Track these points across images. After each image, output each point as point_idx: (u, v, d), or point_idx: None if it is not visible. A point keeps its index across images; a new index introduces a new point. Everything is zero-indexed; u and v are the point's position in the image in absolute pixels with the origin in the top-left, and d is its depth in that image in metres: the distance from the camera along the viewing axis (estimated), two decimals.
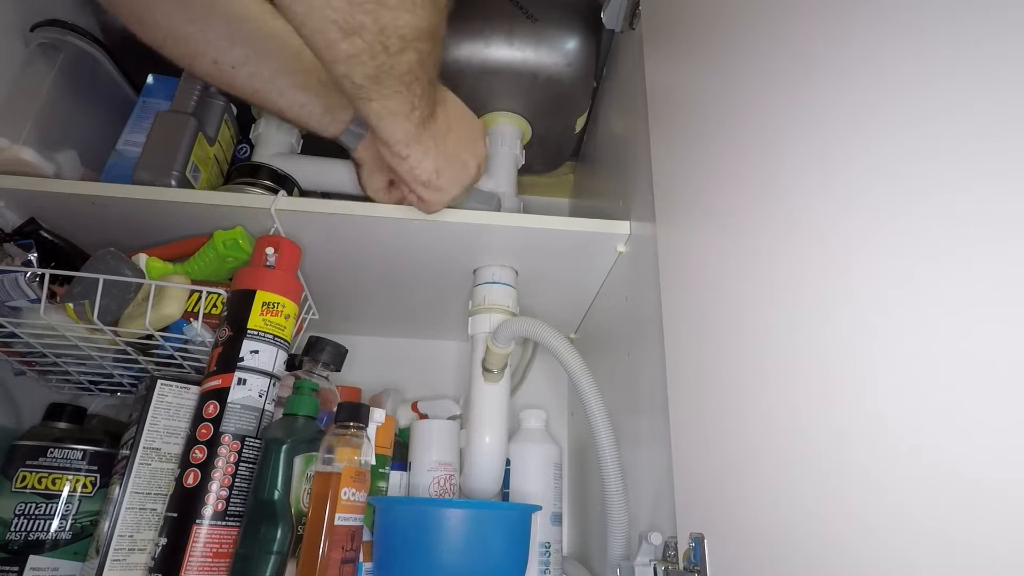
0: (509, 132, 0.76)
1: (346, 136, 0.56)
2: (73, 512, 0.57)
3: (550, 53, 0.68)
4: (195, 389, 0.55)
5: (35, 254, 0.56)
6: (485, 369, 0.62)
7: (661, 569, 0.40)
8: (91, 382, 0.69)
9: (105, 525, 0.51)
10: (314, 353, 0.60)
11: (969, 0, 0.19)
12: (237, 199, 0.56)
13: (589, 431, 0.53)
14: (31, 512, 0.56)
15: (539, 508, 0.58)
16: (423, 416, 0.74)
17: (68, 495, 0.57)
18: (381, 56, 0.33)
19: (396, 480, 0.68)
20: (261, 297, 0.53)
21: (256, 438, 0.50)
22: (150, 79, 0.69)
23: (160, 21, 0.47)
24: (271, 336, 0.53)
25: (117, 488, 0.51)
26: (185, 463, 0.48)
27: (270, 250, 0.55)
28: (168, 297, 0.54)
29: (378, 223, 0.57)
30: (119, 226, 0.60)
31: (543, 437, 0.71)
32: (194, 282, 0.57)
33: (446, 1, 0.35)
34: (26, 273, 0.53)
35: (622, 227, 0.58)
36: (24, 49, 0.63)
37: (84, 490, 0.58)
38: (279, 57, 0.50)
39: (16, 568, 0.54)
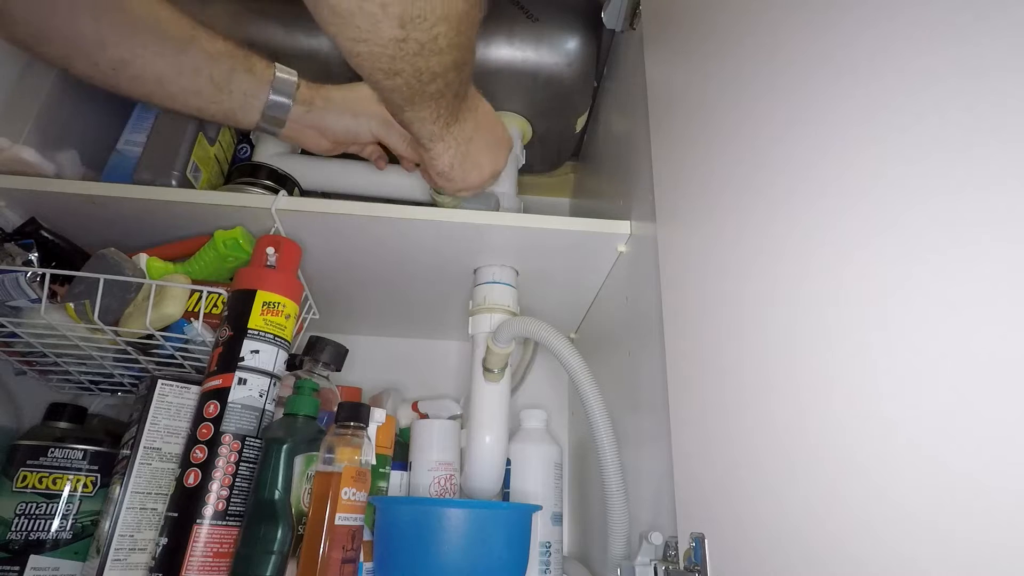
0: (510, 132, 0.76)
1: (265, 124, 0.55)
2: (74, 512, 0.57)
3: (550, 53, 0.68)
4: (196, 389, 0.55)
5: (36, 254, 0.56)
6: (486, 369, 0.62)
7: (662, 569, 0.40)
8: (92, 382, 0.69)
9: (106, 525, 0.51)
10: (315, 353, 0.60)
11: (969, 1, 0.19)
12: (238, 199, 0.57)
13: (589, 431, 0.53)
14: (32, 512, 0.56)
15: (539, 508, 0.58)
16: (424, 416, 0.74)
17: (69, 495, 0.57)
18: (416, 86, 0.40)
19: (396, 480, 0.68)
20: (262, 297, 0.53)
21: (257, 438, 0.50)
22: None
23: (16, 15, 0.43)
24: (272, 336, 0.53)
25: (118, 488, 0.52)
26: (186, 463, 0.48)
27: (271, 250, 0.55)
28: (169, 297, 0.54)
29: (379, 223, 0.57)
30: (120, 226, 0.60)
31: (544, 437, 0.72)
32: (195, 282, 0.57)
33: (473, 40, 0.41)
34: (27, 273, 0.53)
35: (622, 227, 0.58)
36: None
37: (85, 490, 0.58)
38: (162, 58, 0.47)
39: (17, 568, 0.54)
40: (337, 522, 0.47)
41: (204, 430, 0.49)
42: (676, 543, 0.38)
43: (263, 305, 0.53)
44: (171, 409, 0.54)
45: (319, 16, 0.36)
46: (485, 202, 0.63)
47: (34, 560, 0.55)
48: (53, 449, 0.58)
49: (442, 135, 0.48)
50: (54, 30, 0.44)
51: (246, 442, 0.49)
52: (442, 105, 0.45)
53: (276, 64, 0.53)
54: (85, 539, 0.57)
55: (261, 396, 0.51)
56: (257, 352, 0.51)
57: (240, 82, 0.51)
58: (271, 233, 0.58)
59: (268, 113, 0.53)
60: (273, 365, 0.53)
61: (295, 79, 0.54)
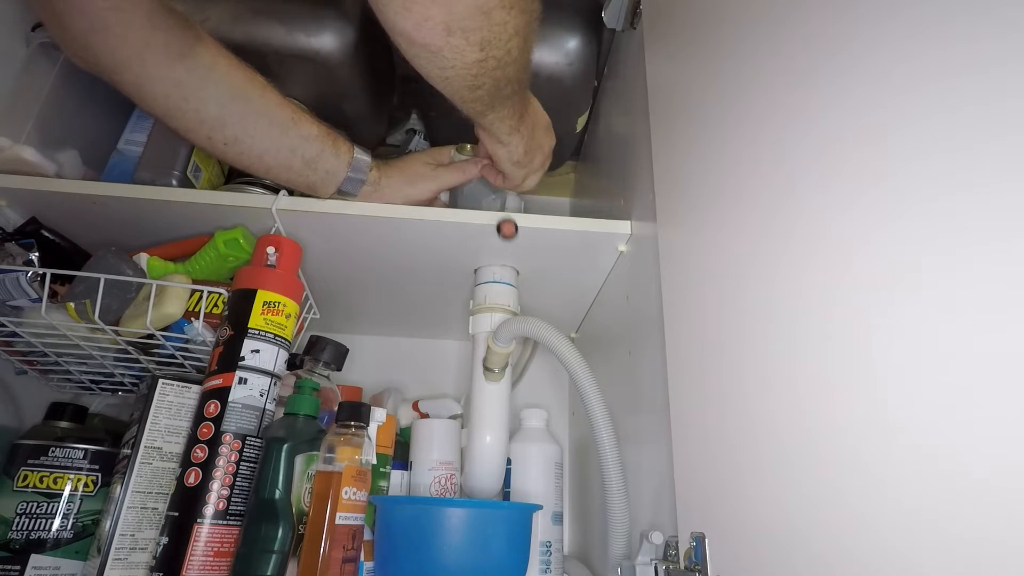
0: None
1: (338, 196, 0.60)
2: (75, 511, 0.57)
3: (551, 52, 0.68)
4: (196, 388, 0.55)
5: (36, 254, 0.56)
6: (486, 368, 0.62)
7: (662, 568, 0.40)
8: (92, 381, 0.69)
9: (107, 524, 0.51)
10: (315, 352, 0.60)
11: (969, 0, 0.19)
12: (238, 199, 0.57)
13: (590, 430, 0.53)
14: (33, 511, 0.56)
15: (540, 507, 0.58)
16: (424, 415, 0.74)
17: (70, 494, 0.57)
18: (495, 93, 0.48)
19: (397, 479, 0.68)
20: (262, 296, 0.53)
21: (257, 437, 0.50)
22: None
23: (159, 99, 0.50)
24: (272, 335, 0.53)
25: (119, 487, 0.52)
26: (186, 462, 0.48)
27: (271, 249, 0.55)
28: (169, 296, 0.54)
29: (379, 223, 0.57)
30: (120, 226, 0.60)
31: (544, 436, 0.71)
32: (195, 281, 0.57)
33: (534, 41, 0.47)
34: (27, 273, 0.53)
35: (623, 226, 0.58)
36: (25, 49, 0.63)
37: (86, 489, 0.58)
38: (268, 137, 0.54)
39: (18, 567, 0.54)
40: (338, 521, 0.47)
41: (205, 429, 0.49)
42: (676, 542, 0.38)
43: (263, 304, 0.53)
44: (172, 408, 0.54)
45: (411, 54, 0.42)
46: (495, 198, 0.67)
47: (35, 559, 0.55)
48: (54, 448, 0.58)
49: (516, 127, 0.56)
50: (183, 112, 0.51)
51: (247, 441, 0.49)
52: (515, 103, 0.52)
53: (356, 146, 0.60)
54: (86, 538, 0.57)
55: (262, 395, 0.51)
56: (258, 351, 0.51)
57: (326, 162, 0.57)
58: (271, 233, 0.58)
59: (343, 188, 0.59)
60: (274, 364, 0.53)
61: (370, 160, 0.60)
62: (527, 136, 0.58)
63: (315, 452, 0.50)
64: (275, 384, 0.53)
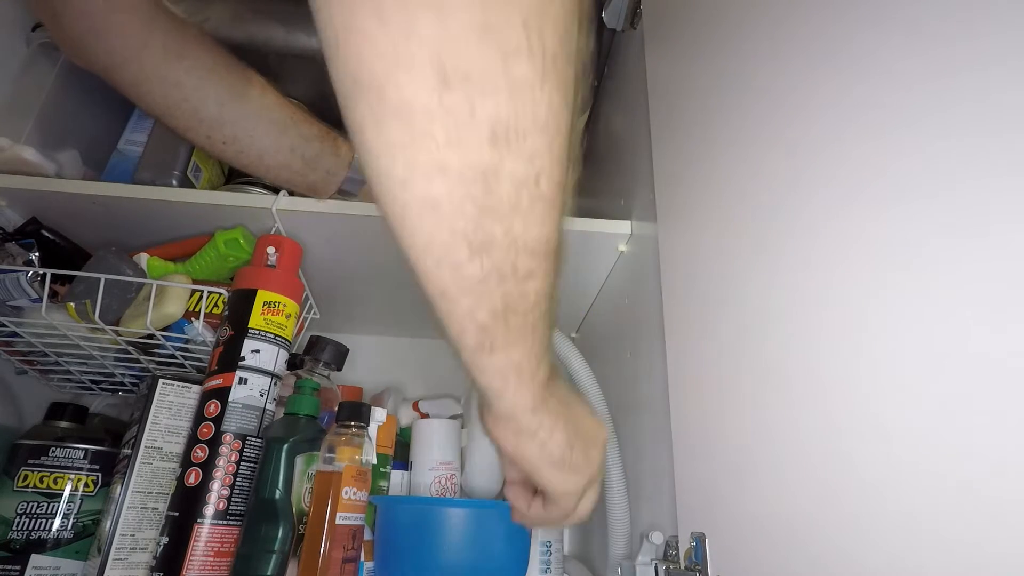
0: None
1: (339, 196, 0.59)
2: (75, 511, 0.57)
3: None
4: (196, 388, 0.55)
5: (37, 254, 0.56)
6: None
7: (662, 568, 0.40)
8: (92, 381, 0.69)
9: (107, 524, 0.51)
10: (315, 352, 0.60)
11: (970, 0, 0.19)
12: (238, 199, 0.57)
13: None
14: (33, 511, 0.56)
15: None
16: (424, 415, 0.74)
17: (70, 494, 0.57)
18: (510, 286, 0.26)
19: (397, 479, 0.68)
20: (262, 296, 0.53)
21: (257, 437, 0.50)
22: None
23: (157, 99, 0.49)
24: (272, 335, 0.53)
25: (119, 487, 0.52)
26: (187, 462, 0.48)
27: (271, 249, 0.55)
28: (169, 296, 0.54)
29: (379, 222, 0.57)
30: (120, 225, 0.60)
31: None
32: (195, 281, 0.57)
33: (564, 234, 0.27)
34: (28, 273, 0.53)
35: (623, 226, 0.58)
36: (25, 49, 0.63)
37: (86, 489, 0.58)
38: (267, 137, 0.54)
39: (18, 567, 0.54)
40: (338, 521, 0.47)
41: (205, 429, 0.49)
42: (677, 542, 0.38)
43: (264, 304, 0.53)
44: (172, 408, 0.54)
45: (378, 144, 0.22)
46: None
47: (35, 559, 0.55)
48: (54, 448, 0.58)
49: (546, 401, 0.33)
50: (181, 112, 0.50)
51: (247, 441, 0.49)
52: (540, 339, 0.30)
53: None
54: (86, 538, 0.57)
55: (262, 395, 0.51)
56: (258, 351, 0.51)
57: (326, 161, 0.57)
58: (271, 233, 0.58)
59: (344, 188, 0.59)
60: (274, 364, 0.53)
61: None
62: (564, 416, 0.35)
63: (315, 452, 0.50)
64: (275, 384, 0.53)
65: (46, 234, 0.58)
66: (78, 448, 0.59)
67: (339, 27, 0.20)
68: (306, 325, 0.68)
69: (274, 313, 0.53)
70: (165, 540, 0.46)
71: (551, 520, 0.39)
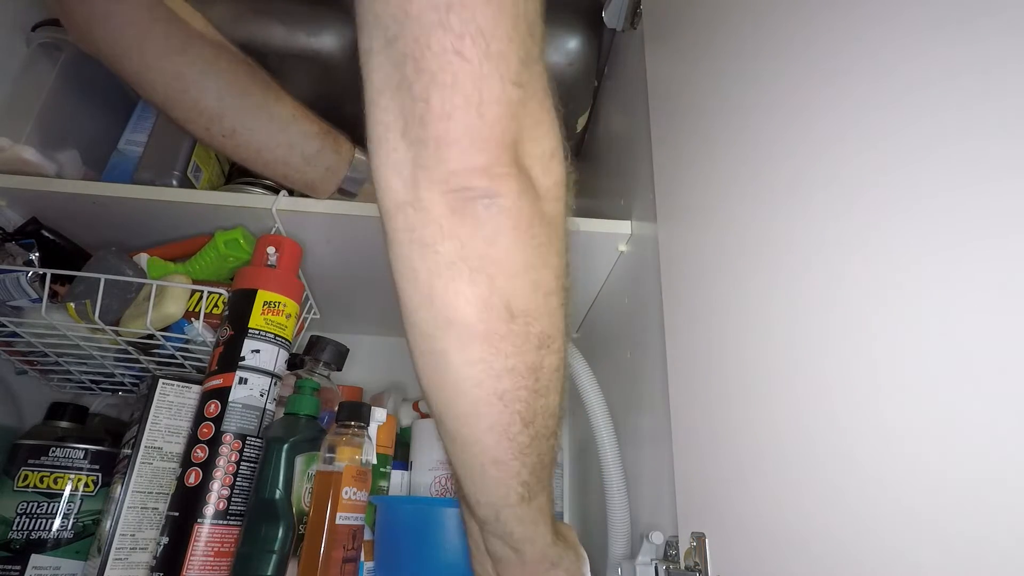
0: None
1: (338, 195, 0.59)
2: (75, 511, 0.57)
3: (551, 52, 0.68)
4: (196, 388, 0.55)
5: (37, 254, 0.56)
6: None
7: (662, 568, 0.40)
8: (93, 381, 0.69)
9: (107, 524, 0.51)
10: (315, 352, 0.60)
11: (970, 0, 0.19)
12: (238, 199, 0.57)
13: (590, 430, 0.53)
14: (33, 511, 0.56)
15: None
16: (425, 415, 0.74)
17: (70, 494, 0.57)
18: (544, 448, 0.33)
19: (397, 479, 0.68)
20: (262, 296, 0.53)
21: (257, 437, 0.50)
22: None
23: (158, 89, 0.49)
24: (272, 335, 0.53)
25: (119, 487, 0.52)
26: (187, 462, 0.48)
27: (271, 249, 0.55)
28: (169, 297, 0.54)
29: (379, 222, 0.57)
30: (120, 226, 0.60)
31: None
32: (195, 282, 0.57)
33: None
34: (28, 273, 0.53)
35: (623, 227, 0.58)
36: (25, 49, 0.63)
37: (86, 489, 0.58)
38: (266, 132, 0.54)
39: (18, 567, 0.54)
40: (338, 521, 0.47)
41: (205, 429, 0.49)
42: (677, 542, 0.38)
43: (264, 304, 0.53)
44: (172, 408, 0.54)
45: (457, 356, 0.29)
46: None
47: (35, 559, 0.55)
48: (54, 448, 0.58)
49: (557, 551, 0.39)
50: (181, 103, 0.50)
51: (247, 441, 0.49)
52: (551, 489, 0.37)
53: (357, 147, 0.59)
54: (86, 538, 0.57)
55: (262, 395, 0.51)
56: (258, 351, 0.51)
57: (325, 159, 0.57)
58: (272, 233, 0.58)
59: (343, 187, 0.59)
60: (274, 364, 0.53)
61: None
62: (563, 539, 0.41)
63: (315, 452, 0.50)
64: (275, 384, 0.53)
65: (46, 234, 0.58)
66: (78, 448, 0.59)
67: (437, 282, 0.29)
68: (306, 325, 0.68)
69: (274, 313, 0.53)
70: (165, 540, 0.46)
71: None
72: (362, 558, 0.56)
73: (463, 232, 0.27)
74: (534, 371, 0.30)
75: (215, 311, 0.56)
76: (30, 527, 0.55)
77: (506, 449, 0.32)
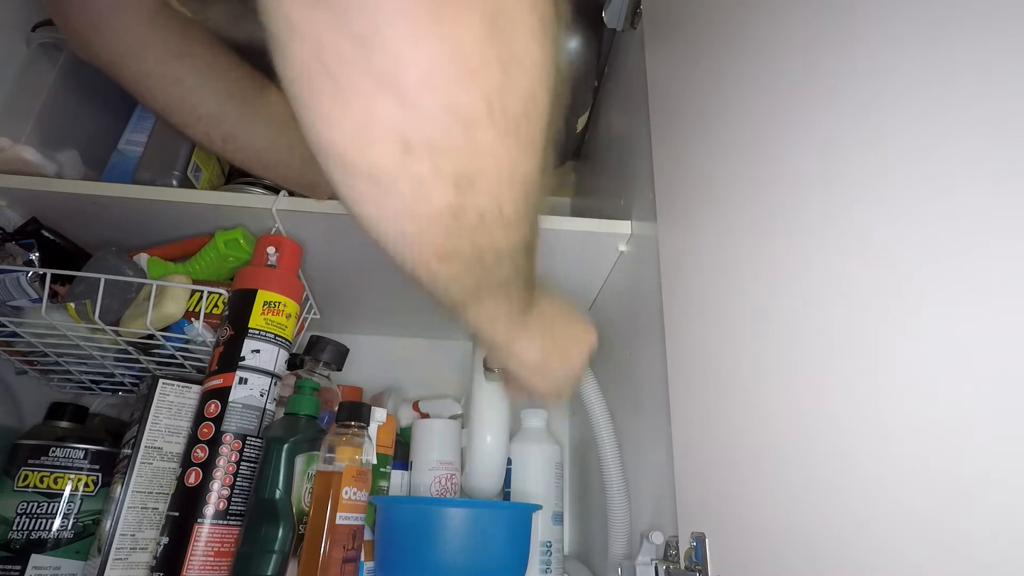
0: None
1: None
2: (75, 511, 0.57)
3: None
4: (196, 388, 0.55)
5: (37, 254, 0.56)
6: (487, 368, 0.62)
7: (662, 568, 0.40)
8: (93, 381, 0.69)
9: (107, 524, 0.51)
10: (315, 352, 0.60)
11: (970, 1, 0.19)
12: (238, 199, 0.57)
13: (590, 430, 0.53)
14: (33, 511, 0.56)
15: (540, 507, 0.58)
16: (424, 415, 0.74)
17: (70, 494, 0.57)
18: (479, 272, 0.31)
19: (397, 479, 0.68)
20: (262, 296, 0.53)
21: (258, 437, 0.50)
22: None
23: (157, 95, 0.50)
24: (272, 335, 0.53)
25: (119, 487, 0.52)
26: (187, 462, 0.48)
27: (271, 249, 0.55)
28: (169, 297, 0.54)
29: None
30: (120, 226, 0.60)
31: (544, 436, 0.71)
32: (195, 282, 0.57)
33: (540, 217, 0.32)
34: (28, 273, 0.53)
35: (623, 227, 0.58)
36: (25, 49, 0.63)
37: (86, 489, 0.58)
38: (265, 135, 0.54)
39: (18, 567, 0.54)
40: (338, 521, 0.47)
41: (205, 429, 0.49)
42: (677, 542, 0.38)
43: (264, 304, 0.53)
44: (172, 408, 0.54)
45: (345, 189, 0.26)
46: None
47: (35, 559, 0.55)
48: (54, 448, 0.58)
49: (523, 325, 0.41)
50: (180, 109, 0.50)
51: (247, 441, 0.49)
52: (512, 296, 0.37)
53: None
54: (86, 538, 0.57)
55: (262, 395, 0.51)
56: (258, 351, 0.51)
57: None
58: (272, 233, 0.58)
59: None
60: (274, 364, 0.53)
61: None
62: (543, 337, 0.43)
63: (315, 452, 0.50)
64: (275, 384, 0.53)
65: (46, 234, 0.58)
66: (78, 448, 0.59)
67: (302, 104, 0.22)
68: (306, 325, 0.68)
69: (274, 313, 0.53)
70: (165, 540, 0.46)
71: (536, 397, 0.49)
72: (362, 558, 0.56)
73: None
74: (449, 214, 0.26)
75: (215, 311, 0.56)
76: (30, 527, 0.55)
77: (424, 278, 0.31)
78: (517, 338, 0.41)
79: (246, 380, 0.50)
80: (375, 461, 0.52)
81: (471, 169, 0.24)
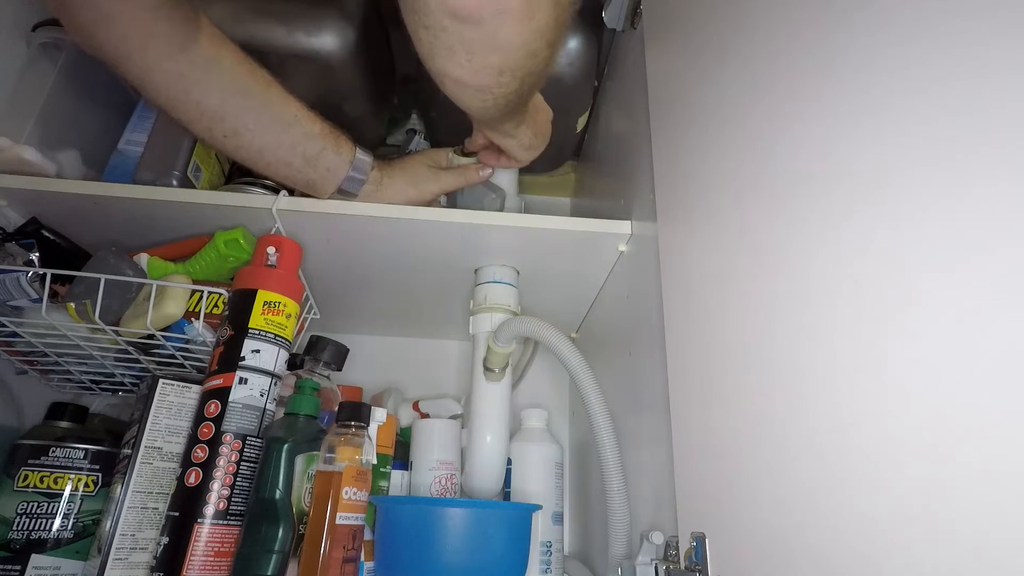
0: None
1: (338, 195, 0.59)
2: (75, 511, 0.57)
3: None
4: (196, 388, 0.55)
5: (37, 254, 0.56)
6: (486, 368, 0.62)
7: (662, 568, 0.40)
8: (93, 381, 0.69)
9: (107, 524, 0.51)
10: (315, 352, 0.60)
11: (970, 2, 0.19)
12: (238, 199, 0.57)
13: (590, 430, 0.53)
14: (33, 511, 0.56)
15: (540, 507, 0.58)
16: (424, 415, 0.74)
17: (70, 494, 0.57)
18: (519, 107, 0.51)
19: (397, 479, 0.68)
20: (262, 296, 0.53)
21: (258, 437, 0.50)
22: None
23: (161, 90, 0.50)
24: (272, 335, 0.53)
25: (119, 487, 0.52)
26: (187, 462, 0.48)
27: (271, 249, 0.55)
28: (169, 297, 0.54)
29: (379, 223, 0.57)
30: (121, 226, 0.60)
31: (544, 436, 0.71)
32: (195, 282, 0.57)
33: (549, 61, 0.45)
34: (28, 273, 0.53)
35: (623, 226, 0.58)
36: (26, 49, 0.63)
37: (86, 489, 0.58)
38: (268, 132, 0.54)
39: (18, 567, 0.54)
40: (338, 521, 0.47)
41: (205, 429, 0.49)
42: (677, 542, 0.38)
43: (264, 305, 0.53)
44: (172, 408, 0.54)
45: (457, 93, 0.44)
46: (495, 197, 0.67)
47: (35, 559, 0.55)
48: (54, 448, 0.58)
49: (522, 121, 0.57)
50: (184, 104, 0.51)
51: (247, 441, 0.49)
52: (519, 108, 0.52)
53: (357, 147, 0.60)
54: (86, 538, 0.57)
55: (262, 395, 0.51)
56: (258, 351, 0.51)
57: (327, 159, 0.57)
58: (272, 233, 0.58)
59: (343, 187, 0.59)
60: (274, 364, 0.53)
61: (371, 160, 0.60)
62: (531, 122, 0.59)
63: (315, 452, 0.50)
64: (275, 384, 0.53)
65: (46, 234, 0.58)
66: (78, 448, 0.59)
67: (439, 58, 0.41)
68: (306, 325, 0.68)
69: (274, 313, 0.53)
70: (165, 540, 0.46)
71: (518, 165, 0.66)
72: (362, 558, 0.56)
73: None
74: (498, 72, 0.42)
75: (215, 311, 0.56)
76: (30, 527, 0.55)
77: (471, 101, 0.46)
78: (520, 126, 0.58)
79: (246, 380, 0.50)
80: (375, 461, 0.52)
81: (531, 69, 0.43)
